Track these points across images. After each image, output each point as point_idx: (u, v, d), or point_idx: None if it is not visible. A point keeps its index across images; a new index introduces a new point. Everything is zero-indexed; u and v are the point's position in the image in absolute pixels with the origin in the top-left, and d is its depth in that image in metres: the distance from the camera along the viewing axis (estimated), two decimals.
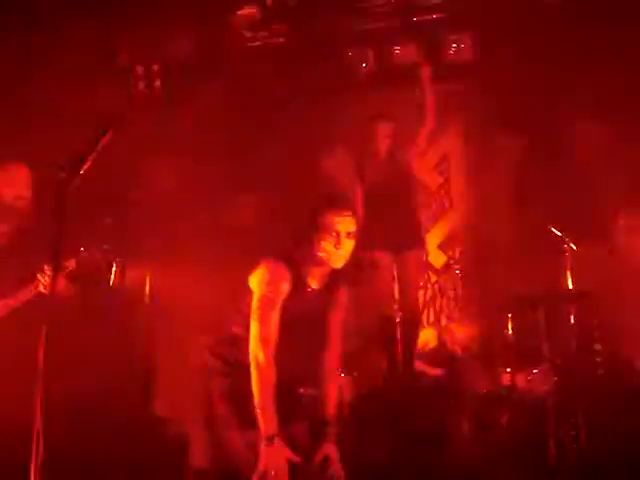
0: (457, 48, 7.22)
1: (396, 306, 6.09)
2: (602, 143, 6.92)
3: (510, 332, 6.12)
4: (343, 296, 3.77)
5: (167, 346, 6.48)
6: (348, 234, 3.50)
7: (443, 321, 7.10)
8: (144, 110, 7.64)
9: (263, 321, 3.43)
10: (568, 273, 5.50)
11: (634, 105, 6.59)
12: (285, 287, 3.48)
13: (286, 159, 7.41)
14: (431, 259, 7.04)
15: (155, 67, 7.89)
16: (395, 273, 5.99)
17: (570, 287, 5.54)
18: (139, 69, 7.89)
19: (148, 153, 7.64)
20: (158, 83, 7.92)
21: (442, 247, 7.27)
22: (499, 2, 7.08)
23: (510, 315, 6.00)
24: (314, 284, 3.62)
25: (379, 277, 5.91)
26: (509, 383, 5.78)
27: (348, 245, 3.51)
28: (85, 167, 3.25)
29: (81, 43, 7.16)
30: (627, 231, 6.72)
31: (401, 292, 6.07)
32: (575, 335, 5.70)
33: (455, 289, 6.87)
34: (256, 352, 3.41)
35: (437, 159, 7.34)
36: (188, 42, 7.79)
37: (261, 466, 3.35)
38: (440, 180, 7.44)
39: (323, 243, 3.48)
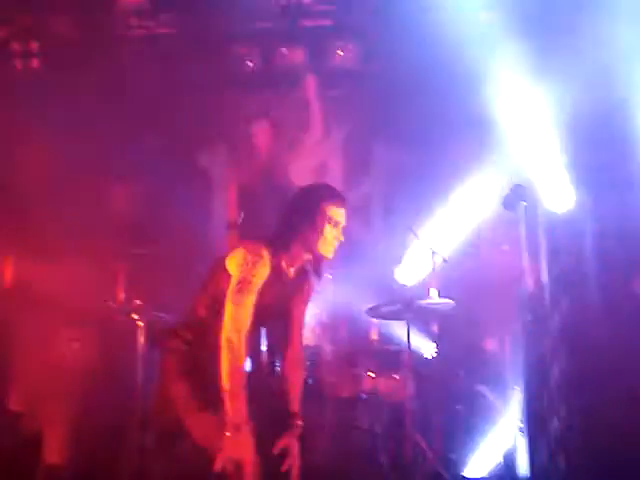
0: (343, 55, 7.33)
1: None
2: None
3: (375, 337, 6.30)
4: (311, 288, 3.82)
5: (27, 339, 6.26)
6: (343, 228, 3.63)
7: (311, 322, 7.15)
8: (19, 90, 7.36)
9: (240, 303, 3.35)
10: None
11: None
12: (265, 271, 3.46)
13: (164, 152, 7.29)
14: None
15: (34, 45, 7.60)
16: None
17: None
18: (16, 45, 7.58)
19: (20, 137, 7.36)
20: (36, 62, 7.63)
21: None
22: (385, 14, 7.26)
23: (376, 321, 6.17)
24: (291, 272, 3.65)
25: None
26: (371, 387, 5.93)
27: (340, 238, 3.63)
28: None
29: None
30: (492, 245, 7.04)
31: None
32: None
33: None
34: (230, 334, 3.29)
35: (314, 165, 7.39)
36: (71, 22, 7.54)
37: (225, 454, 3.20)
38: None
39: (324, 232, 3.55)
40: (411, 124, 7.20)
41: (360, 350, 6.19)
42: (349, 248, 3.84)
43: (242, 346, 3.30)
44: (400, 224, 6.06)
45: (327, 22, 7.47)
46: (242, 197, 5.92)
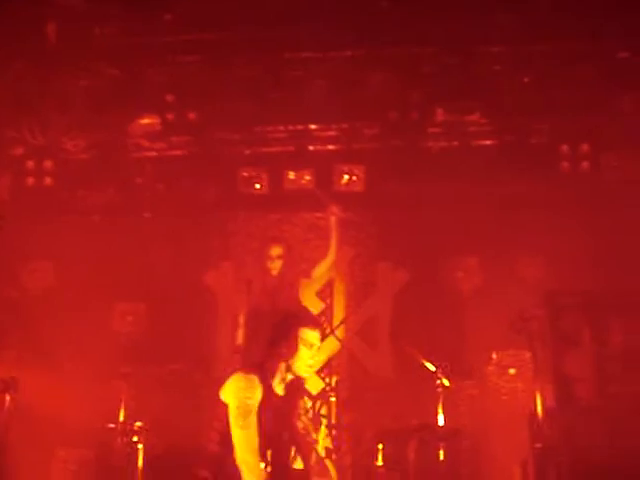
0: (349, 179, 7.52)
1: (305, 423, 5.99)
2: (479, 284, 7.26)
3: (380, 463, 6.11)
4: (301, 404, 4.14)
5: (24, 457, 6.10)
6: (318, 349, 3.99)
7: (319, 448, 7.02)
8: (31, 208, 7.50)
9: (245, 426, 3.66)
10: (440, 408, 5.58)
11: (503, 242, 7.00)
12: (258, 394, 3.78)
13: (172, 270, 7.37)
14: (308, 385, 7.00)
15: (47, 163, 7.78)
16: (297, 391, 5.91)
17: (442, 423, 5.61)
18: (30, 164, 7.77)
19: (28, 252, 7.45)
20: (48, 180, 7.79)
21: (320, 373, 7.29)
22: (390, 141, 7.49)
23: (382, 446, 6.01)
24: (279, 391, 3.94)
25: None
26: None
27: (318, 358, 4.14)
28: None
29: None
30: (498, 371, 6.97)
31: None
32: (444, 471, 5.74)
33: (329, 416, 6.82)
34: (245, 456, 3.61)
35: (321, 284, 7.45)
36: (84, 143, 7.77)
37: None
38: (322, 306, 7.53)
39: (300, 355, 3.89)
40: (416, 245, 7.31)
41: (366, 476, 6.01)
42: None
43: (258, 464, 3.62)
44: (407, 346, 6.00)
45: (333, 147, 7.72)
46: (249, 319, 5.92)
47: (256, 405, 3.73)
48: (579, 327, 6.40)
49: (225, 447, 3.71)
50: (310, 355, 3.92)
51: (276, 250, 6.09)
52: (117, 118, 7.64)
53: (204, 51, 7.27)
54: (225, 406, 3.77)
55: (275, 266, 6.06)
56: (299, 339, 3.89)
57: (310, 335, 3.93)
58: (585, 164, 7.34)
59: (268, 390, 3.84)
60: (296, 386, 4.03)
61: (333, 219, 6.26)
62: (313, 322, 4.05)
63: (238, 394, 3.74)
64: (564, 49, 6.95)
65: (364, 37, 7.07)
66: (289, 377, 3.95)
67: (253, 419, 3.69)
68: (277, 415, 3.89)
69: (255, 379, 3.79)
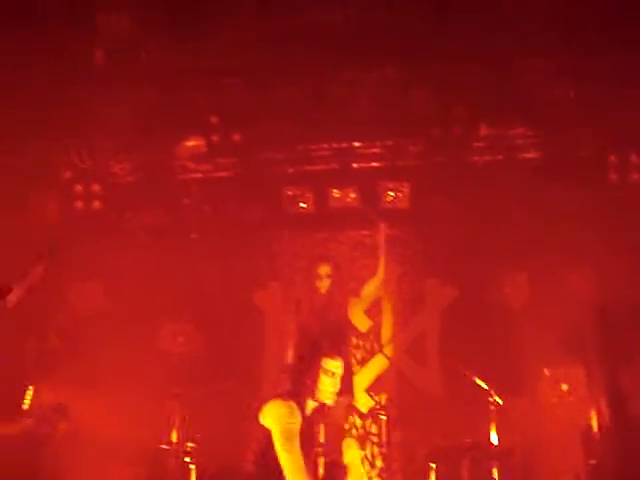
0: (394, 196, 7.51)
1: (320, 449, 5.97)
2: (528, 299, 7.18)
3: None
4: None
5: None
6: (340, 377, 4.22)
7: (367, 467, 6.98)
8: (80, 231, 7.62)
9: (292, 450, 3.90)
10: (493, 427, 5.52)
11: (552, 256, 6.92)
12: (299, 419, 4.02)
13: (220, 290, 7.43)
14: (358, 403, 6.99)
15: (95, 187, 7.90)
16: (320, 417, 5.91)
17: (495, 442, 5.55)
18: (78, 187, 7.89)
19: (77, 274, 7.56)
20: (97, 204, 7.90)
21: (369, 391, 7.27)
22: (434, 158, 7.48)
23: (434, 465, 5.95)
24: (310, 415, 4.19)
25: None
26: None
27: (338, 386, 4.21)
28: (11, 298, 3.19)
29: (22, 155, 7.21)
30: (550, 387, 6.88)
31: (326, 436, 5.97)
32: None
33: (380, 435, 6.80)
34: (295, 478, 3.83)
35: (369, 302, 7.43)
36: (131, 166, 7.88)
37: None
38: (370, 323, 7.52)
39: (323, 383, 4.13)
40: (463, 261, 7.26)
41: None
42: None
43: None
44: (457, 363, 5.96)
45: (377, 164, 7.72)
46: (298, 339, 5.94)
47: (298, 429, 3.97)
48: (633, 342, 6.28)
49: (260, 468, 3.97)
50: (332, 383, 4.16)
51: (324, 269, 6.11)
52: (163, 140, 7.76)
53: (247, 73, 7.36)
54: (263, 428, 4.02)
55: (323, 285, 6.08)
56: (321, 369, 4.15)
57: (331, 364, 4.18)
58: (635, 175, 7.25)
59: (305, 418, 4.10)
60: (320, 412, 4.33)
61: (381, 236, 6.26)
62: (335, 351, 4.27)
63: (281, 420, 3.97)
64: (608, 61, 6.88)
65: (405, 55, 7.10)
66: (313, 404, 4.19)
67: (297, 443, 3.92)
68: (306, 439, 4.11)
69: (294, 405, 4.03)
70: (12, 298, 3.24)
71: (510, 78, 7.14)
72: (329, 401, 4.21)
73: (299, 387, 4.18)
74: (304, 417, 4.12)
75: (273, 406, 4.07)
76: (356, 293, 6.30)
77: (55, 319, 7.46)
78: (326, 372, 4.16)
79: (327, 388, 4.16)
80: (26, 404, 6.45)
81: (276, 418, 4.00)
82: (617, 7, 6.62)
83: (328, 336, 5.84)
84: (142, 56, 7.42)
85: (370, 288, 6.28)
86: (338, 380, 4.22)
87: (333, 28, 7.04)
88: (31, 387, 6.40)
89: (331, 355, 4.24)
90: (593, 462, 6.03)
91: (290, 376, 4.30)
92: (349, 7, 7.08)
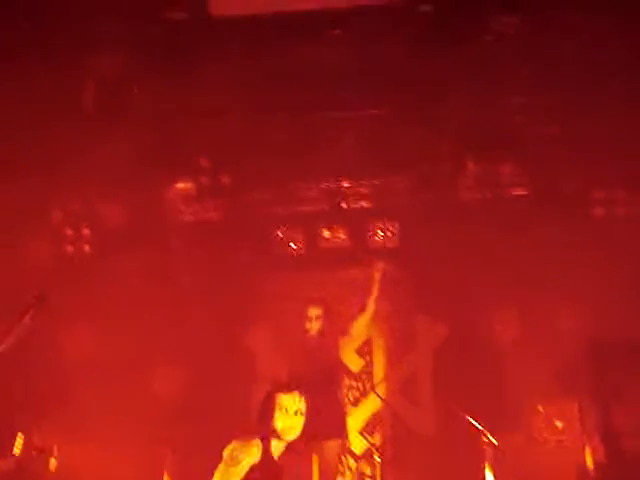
0: (383, 235, 7.55)
1: None
2: (519, 335, 7.18)
3: None
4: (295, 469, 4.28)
5: None
6: (295, 412, 4.02)
7: None
8: (69, 275, 7.59)
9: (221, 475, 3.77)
10: (488, 467, 5.48)
11: (541, 292, 6.93)
12: (253, 453, 3.86)
13: (211, 332, 7.39)
14: (351, 445, 6.94)
15: (85, 231, 7.89)
16: (314, 460, 5.86)
17: None
18: (69, 231, 7.88)
19: (66, 319, 7.51)
20: (87, 248, 7.89)
21: (363, 432, 7.22)
22: (422, 195, 7.52)
23: None
24: (276, 455, 4.00)
25: (298, 464, 5.75)
26: None
27: (297, 421, 4.02)
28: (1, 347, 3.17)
29: (11, 200, 7.19)
30: (545, 423, 6.84)
31: (320, 478, 5.92)
32: None
33: (374, 477, 6.74)
34: None
35: (360, 342, 7.42)
36: (121, 209, 7.89)
37: None
38: (362, 363, 7.49)
39: (278, 420, 3.98)
40: (453, 298, 7.27)
41: None
42: None
43: None
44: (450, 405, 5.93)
45: (366, 203, 7.77)
46: (290, 381, 5.89)
47: (245, 463, 3.83)
48: (625, 377, 6.27)
49: None
50: (288, 419, 4.00)
51: (314, 311, 6.09)
52: (152, 183, 7.77)
53: (235, 114, 7.39)
54: None
55: (314, 327, 6.05)
56: (276, 405, 4.02)
57: (284, 399, 4.05)
58: (620, 209, 7.30)
59: (268, 458, 3.94)
60: (286, 451, 4.12)
61: (377, 275, 6.23)
62: (287, 387, 4.16)
63: (232, 447, 3.87)
64: (590, 96, 6.95)
65: (390, 95, 7.16)
66: (280, 444, 4.04)
67: (235, 472, 3.80)
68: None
69: (256, 441, 3.91)
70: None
71: (494, 116, 7.22)
72: (290, 437, 4.02)
73: (261, 426, 4.05)
74: (269, 459, 3.97)
75: (230, 446, 3.93)
76: (347, 332, 6.25)
77: (44, 363, 7.39)
78: (280, 408, 4.03)
79: (285, 424, 4.00)
80: (16, 451, 6.34)
81: (229, 447, 3.88)
82: (601, 43, 6.71)
83: (319, 377, 5.86)
84: (131, 98, 7.45)
85: (359, 325, 6.21)
86: (294, 416, 4.03)
87: (319, 68, 7.10)
88: (20, 434, 6.30)
89: (283, 390, 4.12)
90: None
91: (255, 416, 4.15)
92: (335, 48, 7.16)
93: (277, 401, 4.04)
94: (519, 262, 7.12)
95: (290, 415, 4.01)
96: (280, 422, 4.00)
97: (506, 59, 6.88)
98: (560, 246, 7.10)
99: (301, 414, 4.05)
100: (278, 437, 3.99)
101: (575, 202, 7.35)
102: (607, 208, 7.32)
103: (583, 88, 6.78)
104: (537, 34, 6.53)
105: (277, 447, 4.01)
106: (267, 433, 3.98)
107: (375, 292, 6.20)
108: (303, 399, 4.08)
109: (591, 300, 6.78)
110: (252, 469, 3.85)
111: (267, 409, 4.05)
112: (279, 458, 4.03)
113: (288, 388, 4.14)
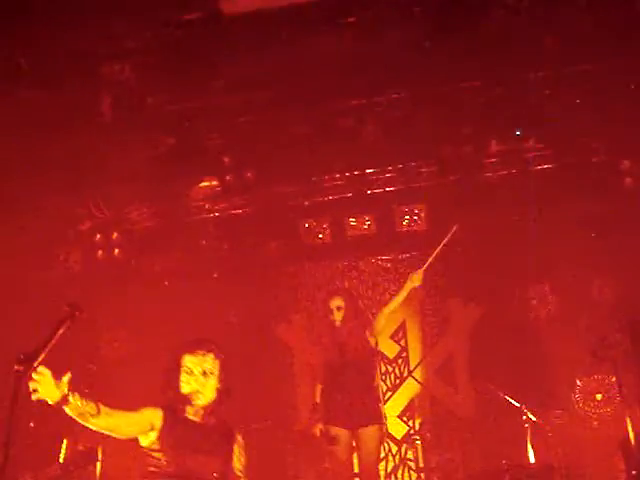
0: (410, 219, 7.51)
1: None
2: (554, 310, 7.12)
3: None
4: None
5: None
6: (204, 372, 3.69)
7: None
8: (101, 279, 7.68)
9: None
10: (529, 445, 5.46)
11: (573, 266, 6.86)
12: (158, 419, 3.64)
13: (245, 327, 7.44)
14: (391, 429, 6.93)
15: (114, 235, 7.97)
16: (354, 447, 5.86)
17: (532, 460, 5.47)
18: (98, 237, 7.96)
19: (101, 323, 7.60)
20: (117, 251, 7.97)
21: (402, 417, 7.22)
22: (447, 177, 7.46)
23: None
24: (194, 417, 3.73)
25: (338, 452, 5.77)
26: None
27: (206, 382, 3.70)
28: (40, 359, 3.21)
29: (42, 209, 7.28)
30: (584, 397, 6.78)
31: (361, 466, 5.92)
32: None
33: (416, 460, 6.73)
34: None
35: (394, 327, 7.41)
36: (148, 211, 7.95)
37: None
38: (397, 348, 7.49)
39: (183, 382, 3.69)
40: (485, 277, 7.22)
41: None
42: None
43: None
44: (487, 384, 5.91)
45: (391, 188, 7.73)
46: (325, 374, 5.90)
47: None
48: None
49: None
50: (192, 381, 3.69)
51: (336, 302, 6.06)
52: (177, 184, 7.81)
53: (253, 110, 7.39)
54: None
55: (337, 317, 6.03)
56: (182, 367, 3.73)
57: (187, 360, 3.74)
58: None
59: (175, 418, 3.67)
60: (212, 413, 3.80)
61: (408, 284, 6.17)
62: (193, 347, 3.80)
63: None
64: (610, 65, 6.83)
65: (408, 79, 7.09)
66: (190, 410, 3.72)
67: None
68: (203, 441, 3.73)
69: (158, 409, 3.66)
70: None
71: (514, 92, 7.12)
72: (199, 401, 3.67)
73: (166, 394, 3.75)
74: (181, 421, 3.67)
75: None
76: (374, 319, 6.21)
77: (84, 368, 7.48)
78: (184, 369, 3.71)
79: (192, 388, 3.66)
80: (61, 458, 6.43)
81: None
82: (616, 9, 6.58)
83: (351, 367, 5.85)
84: (148, 102, 7.48)
85: (386, 311, 6.14)
86: (199, 376, 3.69)
87: (335, 57, 7.06)
88: (65, 440, 6.39)
89: (188, 350, 3.77)
90: (636, 472, 5.90)
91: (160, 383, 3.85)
92: (349, 34, 7.12)
93: (182, 363, 3.73)
94: (550, 237, 7.05)
95: (197, 377, 3.69)
96: (186, 386, 3.69)
97: (518, 31, 6.79)
98: (590, 218, 7.01)
99: (210, 374, 3.72)
100: (189, 403, 3.67)
101: (603, 173, 7.23)
102: (636, 177, 7.20)
103: (600, 55, 6.66)
104: (551, 3, 6.42)
105: (191, 411, 3.70)
106: (175, 400, 3.68)
107: (401, 298, 6.14)
108: (211, 356, 3.74)
109: (625, 271, 6.70)
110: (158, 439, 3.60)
111: (171, 374, 3.75)
112: (202, 420, 3.72)
113: (191, 347, 3.79)
